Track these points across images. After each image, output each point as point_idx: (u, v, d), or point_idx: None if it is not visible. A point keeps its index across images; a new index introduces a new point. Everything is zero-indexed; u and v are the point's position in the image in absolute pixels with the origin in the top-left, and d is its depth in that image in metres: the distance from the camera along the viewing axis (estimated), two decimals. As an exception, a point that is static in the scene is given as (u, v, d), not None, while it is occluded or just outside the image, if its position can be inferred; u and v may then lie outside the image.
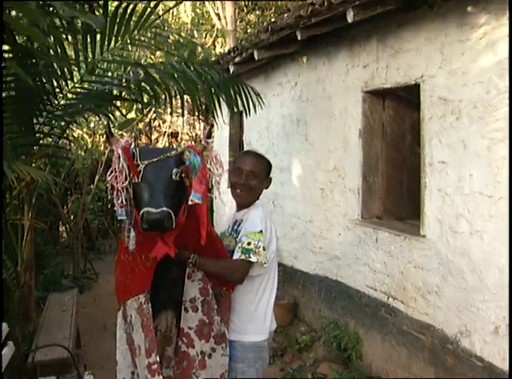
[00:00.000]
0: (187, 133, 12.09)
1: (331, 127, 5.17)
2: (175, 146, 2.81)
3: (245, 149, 6.81)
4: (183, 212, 2.25)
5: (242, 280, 2.50)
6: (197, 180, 2.25)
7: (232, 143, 7.89)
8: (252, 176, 2.67)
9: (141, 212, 2.09)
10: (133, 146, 2.31)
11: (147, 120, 11.57)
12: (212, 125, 7.95)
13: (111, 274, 7.29)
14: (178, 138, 12.29)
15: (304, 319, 5.62)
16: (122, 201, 2.20)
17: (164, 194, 2.12)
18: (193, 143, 2.43)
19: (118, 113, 6.38)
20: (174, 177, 2.20)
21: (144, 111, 9.51)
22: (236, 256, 2.49)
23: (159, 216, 2.05)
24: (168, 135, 12.21)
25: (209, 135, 2.46)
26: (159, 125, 12.26)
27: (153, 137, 12.34)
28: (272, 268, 2.67)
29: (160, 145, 11.50)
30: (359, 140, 4.76)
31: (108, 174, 2.23)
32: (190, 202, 2.22)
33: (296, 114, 5.78)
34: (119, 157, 2.20)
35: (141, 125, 11.53)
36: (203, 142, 2.40)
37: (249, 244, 2.48)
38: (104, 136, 9.54)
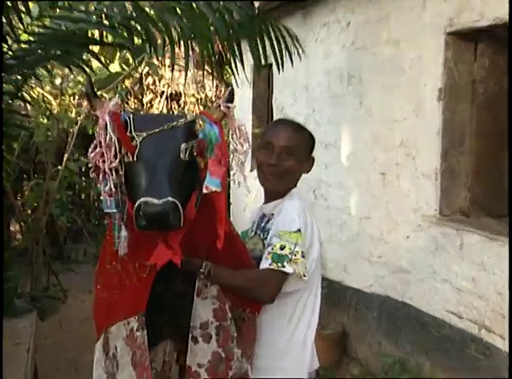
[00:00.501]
0: (193, 95, 12.06)
1: (398, 86, 5.14)
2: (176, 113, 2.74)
3: (275, 118, 6.74)
4: (195, 204, 2.27)
5: (272, 299, 2.54)
6: (215, 159, 2.27)
7: (257, 108, 7.88)
8: (287, 154, 2.71)
9: (137, 203, 2.08)
10: (125, 113, 2.31)
11: (137, 75, 11.42)
12: (228, 85, 7.95)
13: (85, 291, 7.56)
14: (181, 102, 12.03)
15: (357, 356, 5.62)
16: (110, 188, 2.20)
17: (169, 179, 2.13)
18: (205, 108, 2.41)
19: (96, 64, 6.29)
20: (182, 155, 2.21)
21: (134, 62, 9.39)
22: (265, 264, 2.52)
23: (161, 209, 2.05)
24: (167, 97, 12.04)
25: (231, 98, 2.45)
26: (153, 83, 12.06)
27: (145, 100, 12.06)
28: (313, 282, 2.72)
29: (155, 112, 11.27)
30: (439, 103, 4.76)
31: (91, 149, 2.24)
32: (204, 190, 2.24)
33: (347, 67, 5.74)
34: (107, 126, 2.20)
35: (128, 83, 11.40)
36: (222, 107, 2.40)
37: (282, 248, 2.51)
38: (81, 96, 9.41)
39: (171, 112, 11.16)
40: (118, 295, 2.41)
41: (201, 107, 11.29)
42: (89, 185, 10.84)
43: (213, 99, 11.79)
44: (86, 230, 10.68)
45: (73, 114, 9.25)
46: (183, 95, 12.17)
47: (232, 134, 2.44)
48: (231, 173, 2.40)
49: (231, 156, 2.42)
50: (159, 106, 12.01)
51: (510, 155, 4.40)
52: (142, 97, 12.11)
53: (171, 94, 12.18)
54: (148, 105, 12.11)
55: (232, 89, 2.49)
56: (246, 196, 6.98)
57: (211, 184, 2.23)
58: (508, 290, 3.38)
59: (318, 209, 6.09)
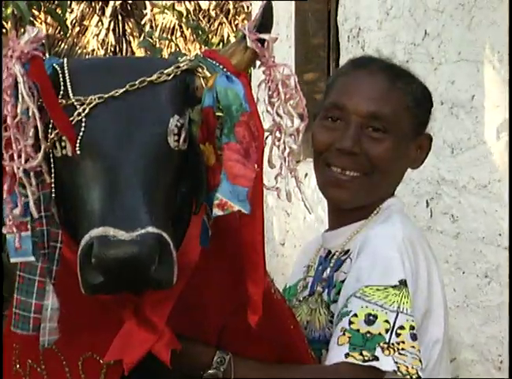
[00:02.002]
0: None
1: None
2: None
3: (346, 55, 5.45)
4: (199, 237, 1.75)
5: None
6: (237, 149, 1.67)
7: (305, 36, 6.26)
8: (377, 130, 2.07)
9: (85, 239, 1.55)
10: (51, 58, 1.75)
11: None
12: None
13: None
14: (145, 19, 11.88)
15: None
16: (23, 211, 1.64)
17: (148, 190, 1.62)
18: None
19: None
20: (172, 140, 1.66)
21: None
22: (336, 354, 1.92)
23: (136, 251, 1.53)
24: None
25: (267, 20, 1.74)
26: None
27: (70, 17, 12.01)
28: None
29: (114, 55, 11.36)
30: None
31: None
32: (216, 210, 1.65)
33: None
34: (17, 85, 1.64)
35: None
36: (249, 41, 1.70)
37: (371, 321, 1.93)
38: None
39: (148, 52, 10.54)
40: None
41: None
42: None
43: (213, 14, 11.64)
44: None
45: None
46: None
47: (271, 95, 1.76)
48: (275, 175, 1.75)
49: (271, 141, 1.77)
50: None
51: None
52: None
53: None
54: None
55: (269, 2, 1.81)
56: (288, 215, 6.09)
57: (231, 197, 1.66)
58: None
59: (436, 238, 4.89)
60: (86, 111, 1.62)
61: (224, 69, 1.69)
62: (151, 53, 12.00)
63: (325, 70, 6.06)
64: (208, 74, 1.68)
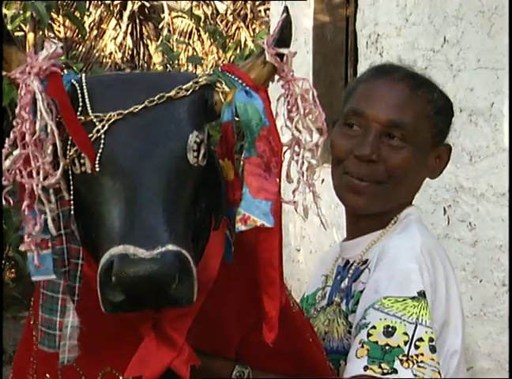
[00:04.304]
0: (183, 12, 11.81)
1: None
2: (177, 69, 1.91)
3: (364, 62, 5.43)
4: (225, 253, 1.76)
5: None
6: (258, 163, 1.66)
7: (323, 41, 6.11)
8: (395, 138, 2.05)
9: (105, 257, 1.54)
10: (69, 73, 1.71)
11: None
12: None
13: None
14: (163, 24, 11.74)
15: None
16: (43, 228, 1.60)
17: (168, 208, 1.61)
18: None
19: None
20: (191, 156, 1.64)
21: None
22: (355, 367, 1.89)
23: (156, 269, 1.52)
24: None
25: (286, 34, 1.72)
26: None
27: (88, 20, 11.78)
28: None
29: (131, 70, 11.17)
30: None
31: (5, 150, 1.63)
32: (239, 225, 1.64)
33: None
34: (35, 102, 1.61)
35: None
36: (269, 56, 1.69)
37: (389, 333, 1.88)
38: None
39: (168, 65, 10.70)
40: None
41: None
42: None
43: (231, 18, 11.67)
44: None
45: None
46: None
47: (290, 109, 1.74)
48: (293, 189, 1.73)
49: (289, 155, 1.76)
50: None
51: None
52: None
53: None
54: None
55: (288, 15, 1.77)
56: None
57: (254, 211, 1.64)
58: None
59: (453, 246, 4.81)
60: (105, 128, 1.60)
61: (243, 84, 1.67)
62: (168, 56, 12.00)
63: (343, 76, 5.97)
64: (227, 89, 1.66)
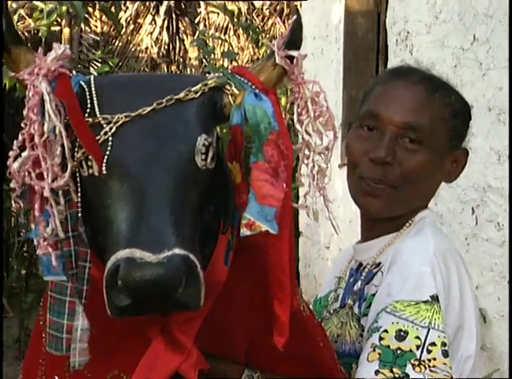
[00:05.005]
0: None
1: None
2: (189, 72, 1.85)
3: (397, 60, 5.22)
4: (224, 258, 1.72)
5: None
6: (266, 168, 1.63)
7: (354, 41, 5.99)
8: (412, 141, 2.00)
9: (112, 260, 1.51)
10: (78, 75, 1.68)
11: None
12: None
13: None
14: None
15: None
16: (53, 230, 1.58)
17: (176, 211, 1.57)
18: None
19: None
20: (199, 159, 1.61)
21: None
22: (366, 370, 1.85)
23: (163, 273, 1.49)
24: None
25: (296, 36, 1.70)
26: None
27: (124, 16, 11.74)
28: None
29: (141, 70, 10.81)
30: None
31: (13, 152, 1.60)
32: (244, 230, 1.61)
33: None
34: (44, 103, 1.58)
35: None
36: (278, 58, 1.65)
37: (402, 337, 1.86)
38: None
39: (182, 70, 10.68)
40: None
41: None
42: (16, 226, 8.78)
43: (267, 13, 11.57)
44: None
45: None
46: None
47: (300, 113, 1.71)
48: (302, 193, 1.78)
49: (300, 159, 1.72)
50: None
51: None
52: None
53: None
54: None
55: (299, 17, 1.76)
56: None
57: (259, 217, 1.61)
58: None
59: (481, 246, 4.70)
60: (113, 130, 1.58)
61: (253, 87, 1.65)
62: (203, 51, 11.97)
63: (374, 73, 5.91)
64: (237, 91, 1.64)
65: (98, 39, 14.91)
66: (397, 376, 1.81)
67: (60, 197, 1.57)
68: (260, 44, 10.51)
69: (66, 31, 11.60)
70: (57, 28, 12.42)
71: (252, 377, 1.81)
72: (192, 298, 1.51)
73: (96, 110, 1.60)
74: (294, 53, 1.63)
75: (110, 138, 1.56)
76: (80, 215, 1.62)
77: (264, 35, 12.17)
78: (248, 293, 1.77)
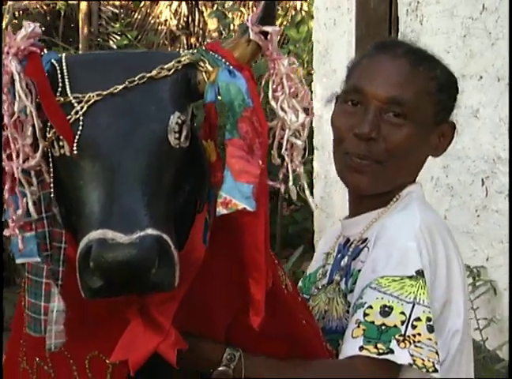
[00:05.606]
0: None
1: None
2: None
3: (408, 31, 5.25)
4: (202, 238, 1.66)
5: None
6: (240, 145, 1.59)
7: (367, 10, 5.74)
8: (397, 115, 1.95)
9: (84, 241, 1.47)
10: (49, 53, 1.63)
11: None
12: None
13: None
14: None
15: None
16: (25, 211, 1.55)
17: (148, 191, 1.53)
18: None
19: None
20: (173, 138, 1.56)
21: None
22: (351, 347, 1.82)
23: (135, 253, 1.44)
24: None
25: (269, 13, 1.64)
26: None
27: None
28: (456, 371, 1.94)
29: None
30: None
31: None
32: (220, 209, 1.56)
33: None
34: (14, 82, 1.55)
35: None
36: (252, 34, 1.60)
37: (386, 312, 1.81)
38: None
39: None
40: None
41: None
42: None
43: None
44: None
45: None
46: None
47: (275, 89, 1.66)
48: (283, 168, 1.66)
49: (275, 137, 1.66)
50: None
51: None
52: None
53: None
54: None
55: None
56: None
57: (235, 195, 1.56)
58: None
59: (491, 218, 4.62)
60: (84, 109, 1.53)
61: (227, 63, 1.60)
62: (222, 23, 11.84)
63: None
64: (211, 68, 1.59)
65: (117, 11, 14.78)
66: (381, 351, 1.77)
67: (33, 178, 1.53)
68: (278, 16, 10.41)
69: (83, 4, 11.49)
70: (75, 2, 12.32)
71: (234, 356, 1.78)
72: (166, 279, 1.48)
73: (68, 89, 1.55)
74: (268, 28, 1.58)
75: (81, 118, 1.52)
76: (53, 195, 1.58)
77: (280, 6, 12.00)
78: (226, 267, 1.73)
